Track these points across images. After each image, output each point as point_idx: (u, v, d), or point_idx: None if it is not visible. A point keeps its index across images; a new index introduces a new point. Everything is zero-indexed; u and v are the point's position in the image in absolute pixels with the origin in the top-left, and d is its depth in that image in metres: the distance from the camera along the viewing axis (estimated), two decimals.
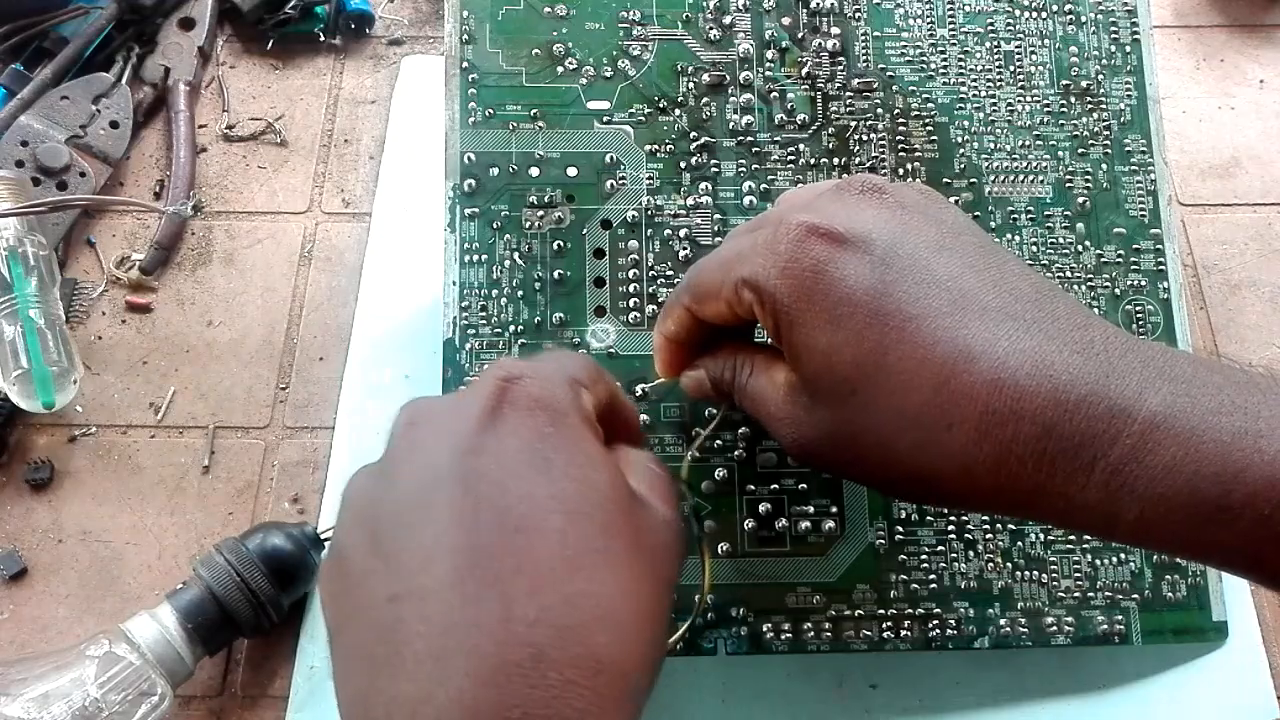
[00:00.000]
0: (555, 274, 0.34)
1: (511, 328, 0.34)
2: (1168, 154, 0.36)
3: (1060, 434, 0.21)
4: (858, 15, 0.36)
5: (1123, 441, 0.20)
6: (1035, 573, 0.34)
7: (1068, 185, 0.36)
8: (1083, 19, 0.37)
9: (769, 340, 0.26)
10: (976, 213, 0.36)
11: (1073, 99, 0.37)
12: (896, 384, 0.22)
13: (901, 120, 0.36)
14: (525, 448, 0.22)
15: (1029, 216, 0.36)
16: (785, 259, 0.24)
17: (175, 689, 0.32)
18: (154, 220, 0.44)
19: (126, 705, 0.31)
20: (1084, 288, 0.35)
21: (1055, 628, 0.33)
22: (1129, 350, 0.22)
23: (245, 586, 0.33)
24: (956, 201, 0.36)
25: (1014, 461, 0.21)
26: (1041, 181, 0.36)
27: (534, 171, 0.35)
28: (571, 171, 0.35)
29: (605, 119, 0.35)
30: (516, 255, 0.34)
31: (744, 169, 0.35)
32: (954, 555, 0.33)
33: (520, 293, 0.34)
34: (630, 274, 0.34)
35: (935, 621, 0.33)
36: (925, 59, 0.36)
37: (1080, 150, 0.36)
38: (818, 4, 0.36)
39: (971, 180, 0.36)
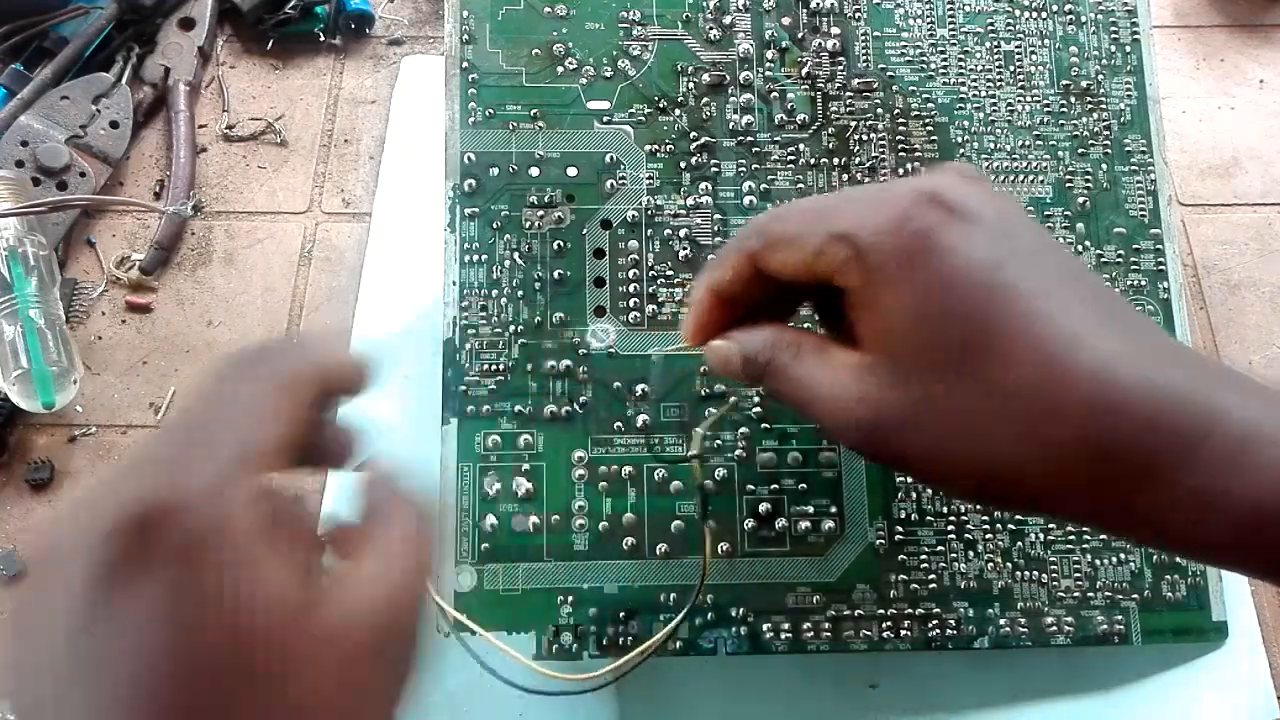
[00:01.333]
0: (555, 274, 0.34)
1: (511, 328, 0.34)
2: (1168, 154, 0.36)
3: (1158, 431, 0.20)
4: (858, 15, 0.36)
5: (1219, 444, 0.20)
6: (1035, 573, 0.34)
7: (1068, 185, 0.36)
8: (1083, 19, 0.37)
9: (812, 322, 0.25)
10: None
11: (1073, 99, 0.37)
12: (1001, 360, 0.21)
13: (901, 120, 0.36)
14: (156, 616, 0.17)
15: (1029, 216, 0.36)
16: (897, 218, 0.22)
17: None
18: (154, 220, 0.44)
19: None
20: None
21: (1055, 628, 0.33)
22: (1212, 364, 0.22)
23: None
24: None
25: (1109, 457, 0.21)
26: (1041, 181, 0.36)
27: (534, 171, 0.35)
28: (571, 171, 0.35)
29: (605, 119, 0.35)
30: (516, 255, 0.34)
31: (744, 169, 0.35)
32: (954, 555, 0.33)
33: (520, 293, 0.34)
34: (630, 274, 0.34)
35: (935, 621, 0.33)
36: (925, 59, 0.36)
37: (1080, 150, 0.36)
38: (818, 4, 0.36)
39: None
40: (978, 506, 0.34)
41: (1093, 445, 0.21)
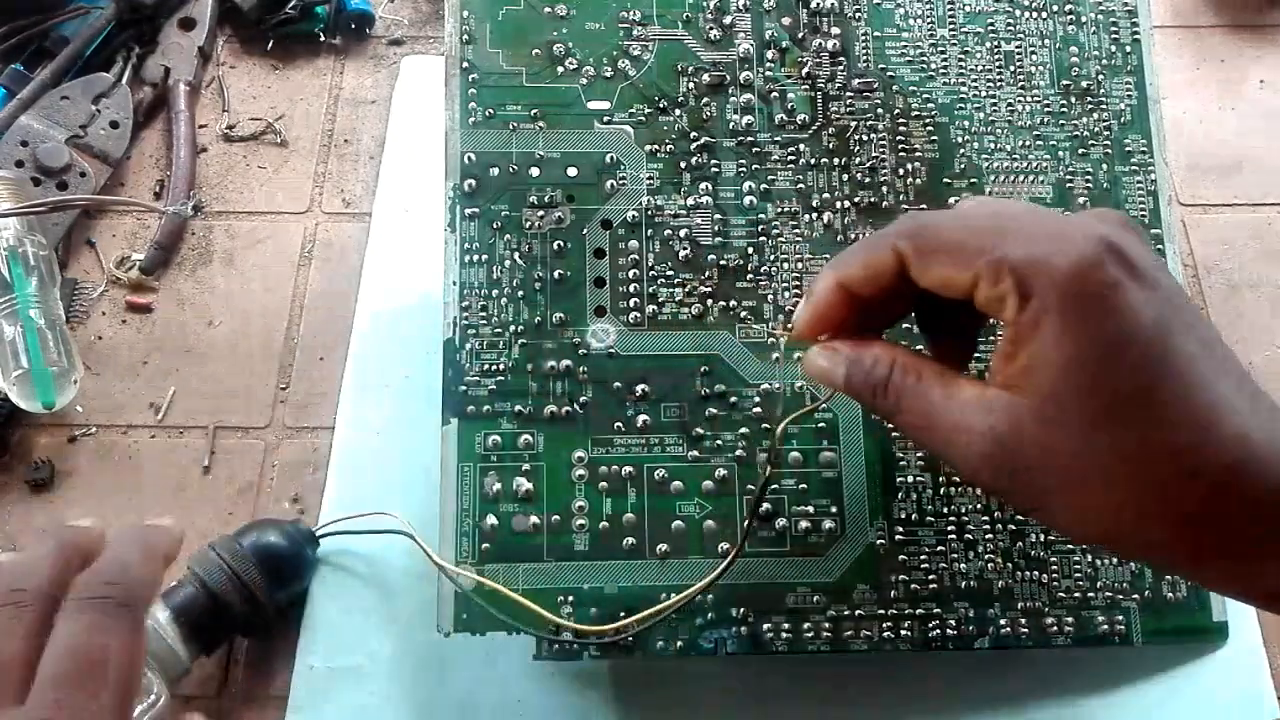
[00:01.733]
0: (555, 274, 0.34)
1: (511, 328, 0.34)
2: (1168, 154, 0.36)
3: None
4: (858, 15, 0.37)
5: None
6: (1035, 573, 0.34)
7: (1068, 185, 0.36)
8: (1083, 19, 0.37)
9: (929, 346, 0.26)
10: None
11: (1073, 99, 0.37)
12: (1157, 420, 0.22)
13: (902, 120, 0.36)
14: None
15: None
16: (1078, 266, 0.22)
17: (172, 687, 0.32)
18: (154, 220, 0.44)
19: None
20: None
21: (1055, 628, 0.33)
22: None
23: (239, 583, 0.33)
24: (956, 202, 0.36)
25: (1240, 517, 0.22)
26: (1042, 181, 0.36)
27: (534, 171, 0.35)
28: (571, 171, 0.35)
29: (605, 119, 0.35)
30: (516, 255, 0.34)
31: (744, 169, 0.35)
32: (954, 555, 0.33)
33: (520, 293, 0.34)
34: (630, 274, 0.34)
35: (935, 621, 0.33)
36: (925, 59, 0.36)
37: (1080, 150, 0.36)
38: (818, 4, 0.36)
39: (971, 180, 0.36)
40: (978, 507, 0.34)
41: (1227, 506, 0.22)
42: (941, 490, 0.34)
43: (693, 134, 0.35)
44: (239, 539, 0.34)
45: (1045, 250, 0.23)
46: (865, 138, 0.36)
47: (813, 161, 0.36)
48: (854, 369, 0.26)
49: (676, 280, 0.34)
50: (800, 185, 0.35)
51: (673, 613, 0.32)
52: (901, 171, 0.36)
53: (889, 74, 0.36)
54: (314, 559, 0.36)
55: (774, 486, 0.33)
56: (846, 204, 0.35)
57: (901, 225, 0.25)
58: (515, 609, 0.32)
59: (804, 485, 0.33)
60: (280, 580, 0.34)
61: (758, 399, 0.34)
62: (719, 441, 0.34)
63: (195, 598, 0.33)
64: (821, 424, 0.34)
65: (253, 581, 0.33)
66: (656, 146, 0.35)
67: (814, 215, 0.35)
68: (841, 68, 0.36)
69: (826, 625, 0.33)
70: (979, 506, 0.34)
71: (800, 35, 0.36)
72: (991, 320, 0.27)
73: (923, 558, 0.33)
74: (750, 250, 0.35)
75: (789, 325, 0.29)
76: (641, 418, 0.34)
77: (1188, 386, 0.22)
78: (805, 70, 0.36)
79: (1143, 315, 0.22)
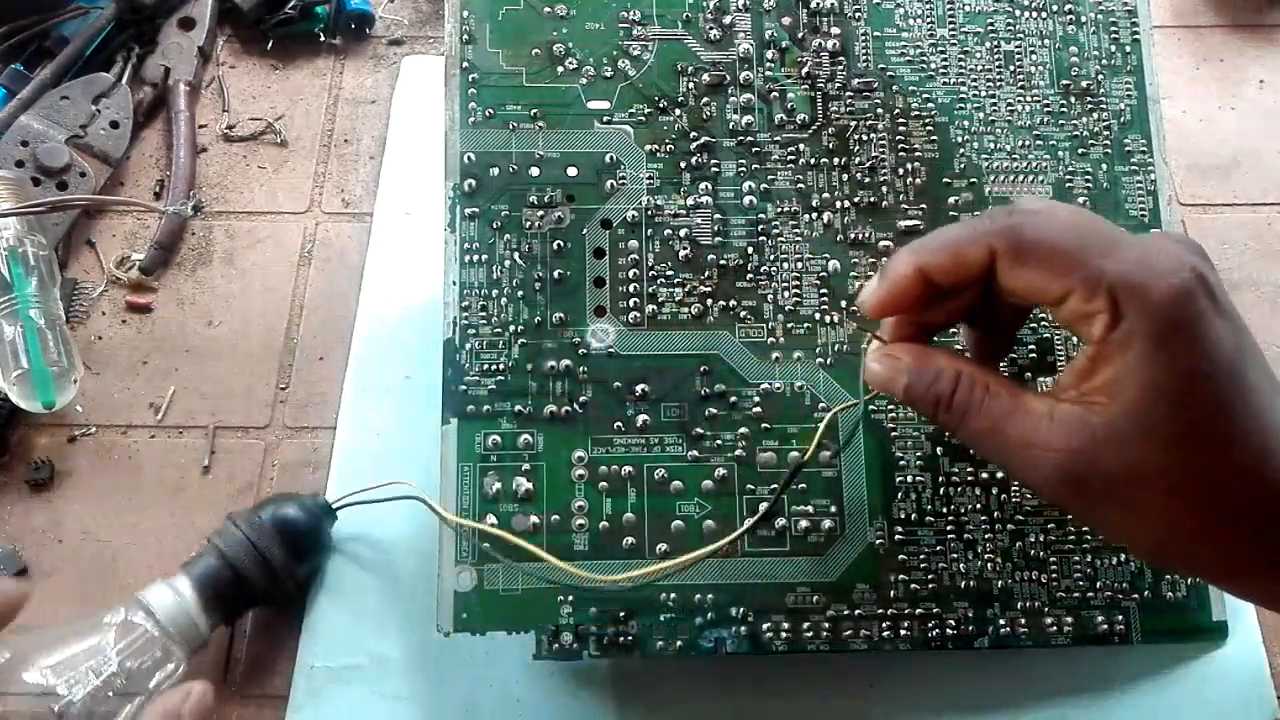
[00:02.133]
0: (555, 274, 0.34)
1: (511, 328, 0.34)
2: (1168, 154, 0.36)
3: None
4: (858, 15, 0.37)
5: None
6: (1035, 573, 0.34)
7: (1068, 185, 0.36)
8: (1083, 19, 0.37)
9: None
10: (977, 212, 0.36)
11: (1073, 99, 0.37)
12: (1229, 445, 0.23)
13: (901, 120, 0.36)
14: None
15: None
16: (1179, 294, 0.23)
17: (191, 657, 0.33)
18: (154, 220, 0.44)
19: (143, 672, 0.31)
20: None
21: (1055, 628, 0.33)
22: None
23: (259, 555, 0.33)
24: (956, 202, 0.36)
25: None
26: (1041, 181, 0.36)
27: (534, 171, 0.35)
28: (571, 171, 0.35)
29: (605, 119, 0.35)
30: (516, 255, 0.34)
31: (744, 169, 0.35)
32: (954, 555, 0.33)
33: (520, 293, 0.34)
34: (630, 274, 0.34)
35: (935, 621, 0.33)
36: (925, 59, 0.36)
37: (1080, 150, 0.36)
38: (818, 4, 0.36)
39: (971, 180, 0.36)
40: (978, 507, 0.34)
41: None
42: (941, 490, 0.34)
43: (692, 134, 0.35)
44: (258, 511, 0.35)
45: (1143, 276, 0.23)
46: (865, 138, 0.36)
47: (812, 161, 0.36)
48: (916, 380, 0.27)
49: (676, 280, 0.34)
50: (800, 185, 0.35)
51: (673, 611, 0.32)
52: (901, 171, 0.36)
53: (889, 74, 0.36)
54: (330, 532, 0.37)
55: (774, 486, 0.33)
56: (846, 203, 0.35)
57: (997, 222, 0.25)
58: (515, 609, 0.32)
59: (804, 485, 0.33)
60: (299, 553, 0.35)
61: (757, 399, 0.34)
62: (719, 441, 0.34)
63: (216, 569, 0.33)
64: (820, 424, 0.34)
65: (272, 554, 0.34)
66: (656, 146, 0.35)
67: (814, 215, 0.35)
68: (841, 68, 0.36)
69: (826, 625, 0.33)
70: (978, 506, 0.34)
71: (800, 35, 0.36)
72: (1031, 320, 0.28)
73: (922, 557, 0.33)
74: (750, 250, 0.35)
75: (853, 309, 0.29)
76: (641, 417, 0.34)
77: (1258, 413, 0.23)
78: (805, 70, 0.36)
79: (1224, 345, 0.23)
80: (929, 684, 0.35)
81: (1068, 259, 0.24)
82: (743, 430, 0.34)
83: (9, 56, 0.47)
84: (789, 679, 0.35)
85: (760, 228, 0.35)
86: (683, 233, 0.35)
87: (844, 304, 0.35)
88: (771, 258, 0.35)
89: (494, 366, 0.34)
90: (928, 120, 0.36)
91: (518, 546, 0.32)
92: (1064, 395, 0.25)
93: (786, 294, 0.35)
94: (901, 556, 0.33)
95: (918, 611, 0.33)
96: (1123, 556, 0.34)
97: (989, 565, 0.33)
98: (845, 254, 0.35)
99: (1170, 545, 0.25)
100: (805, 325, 0.35)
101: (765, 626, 0.33)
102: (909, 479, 0.34)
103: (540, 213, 0.35)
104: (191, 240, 0.44)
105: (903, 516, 0.34)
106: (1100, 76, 0.37)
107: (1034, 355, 0.35)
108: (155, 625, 0.32)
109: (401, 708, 0.35)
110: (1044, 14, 0.37)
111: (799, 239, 0.35)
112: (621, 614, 0.32)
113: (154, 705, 0.28)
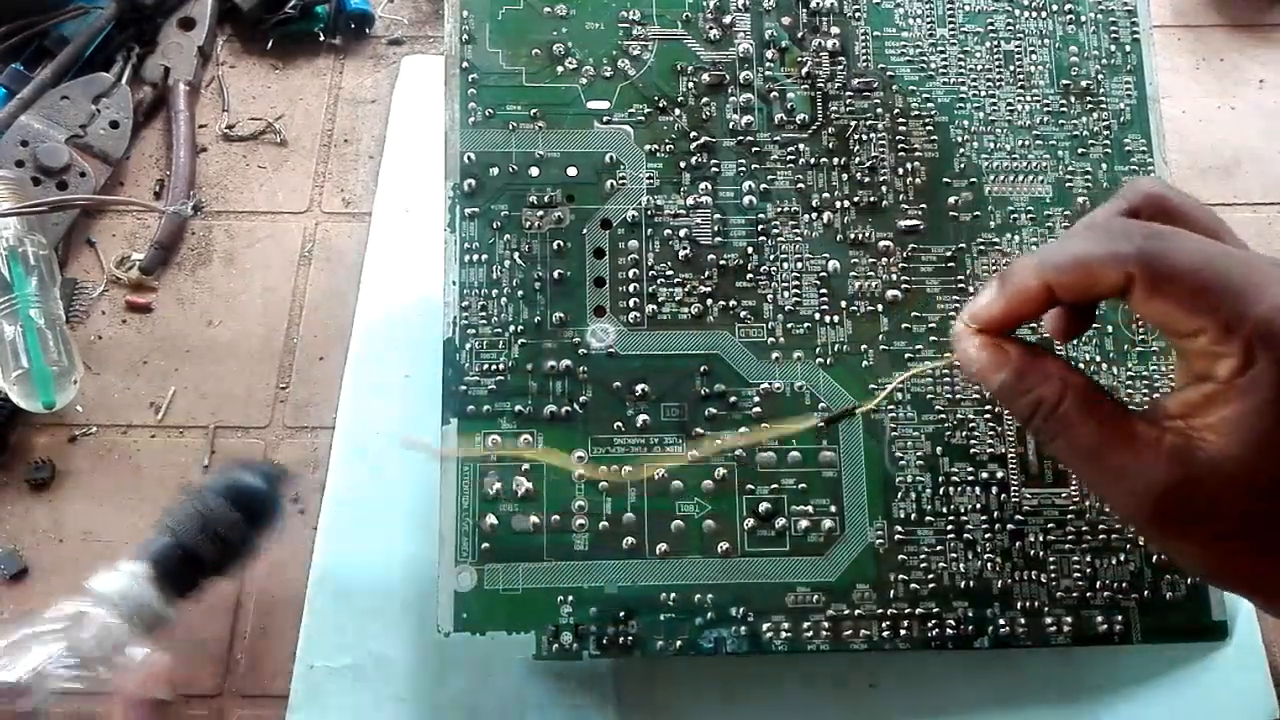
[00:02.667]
0: (555, 274, 0.34)
1: (511, 327, 0.34)
2: (1168, 154, 0.36)
3: None
4: (857, 15, 0.36)
5: None
6: (1035, 573, 0.34)
7: (1067, 185, 0.36)
8: (1082, 19, 0.37)
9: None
10: (977, 212, 0.36)
11: (1072, 99, 0.36)
12: None
13: (901, 120, 0.36)
14: None
15: (1029, 216, 0.36)
16: None
17: (153, 636, 0.32)
18: (154, 220, 0.44)
19: (105, 656, 0.31)
20: None
21: (1055, 627, 0.33)
22: None
23: (208, 525, 0.33)
24: (956, 201, 0.36)
25: None
26: (1041, 181, 0.36)
27: (534, 171, 0.35)
28: (571, 171, 0.35)
29: (605, 118, 0.35)
30: (516, 255, 0.34)
31: (744, 169, 0.35)
32: (954, 555, 0.33)
33: (520, 293, 0.34)
34: (630, 274, 0.34)
35: (935, 621, 0.33)
36: (925, 59, 0.36)
37: (1080, 150, 0.36)
38: (818, 4, 0.36)
39: (971, 180, 0.36)
40: (978, 507, 0.34)
41: None
42: (941, 490, 0.34)
43: (692, 133, 0.35)
44: (208, 482, 0.34)
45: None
46: (865, 137, 0.36)
47: (812, 161, 0.36)
48: (1016, 381, 0.25)
49: (676, 280, 0.34)
50: (800, 185, 0.35)
51: (673, 611, 0.32)
52: (901, 171, 0.36)
53: (889, 74, 0.36)
54: (281, 497, 0.35)
55: (774, 486, 0.33)
56: (846, 203, 0.35)
57: (1134, 244, 0.24)
58: (515, 609, 0.32)
59: (804, 485, 0.33)
60: (252, 518, 0.34)
61: (757, 399, 0.34)
62: (716, 440, 0.34)
63: (165, 546, 0.33)
64: (820, 424, 0.34)
65: (222, 521, 0.33)
66: (656, 145, 0.35)
67: (813, 215, 0.35)
68: (841, 67, 0.36)
69: (826, 625, 0.33)
70: (978, 506, 0.34)
71: (800, 35, 0.36)
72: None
73: (922, 558, 0.33)
74: (750, 250, 0.35)
75: (956, 323, 0.27)
76: (641, 417, 0.34)
77: None
78: (805, 70, 0.36)
79: None
80: (929, 684, 0.35)
81: (1208, 298, 0.23)
82: (742, 430, 0.34)
83: (9, 56, 0.47)
84: (789, 679, 0.35)
85: (760, 228, 0.35)
86: (682, 232, 0.35)
87: (843, 304, 0.35)
88: (771, 258, 0.35)
89: (494, 366, 0.34)
90: (927, 120, 0.36)
91: (520, 457, 0.32)
92: (1168, 424, 0.24)
93: (786, 294, 0.35)
94: (901, 556, 0.33)
95: (918, 611, 0.33)
96: (1123, 556, 0.34)
97: (988, 565, 0.33)
98: (845, 254, 0.35)
99: (1255, 586, 0.24)
100: (805, 325, 0.34)
101: (765, 626, 0.33)
102: (908, 479, 0.34)
103: (540, 213, 0.35)
104: (191, 240, 0.44)
105: (903, 516, 0.34)
106: (1100, 76, 0.37)
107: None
108: (111, 610, 0.31)
109: (402, 708, 0.35)
110: (1043, 14, 0.37)
111: (798, 239, 0.35)
112: (621, 614, 0.32)
113: (117, 697, 0.28)
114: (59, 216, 0.43)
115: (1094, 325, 0.32)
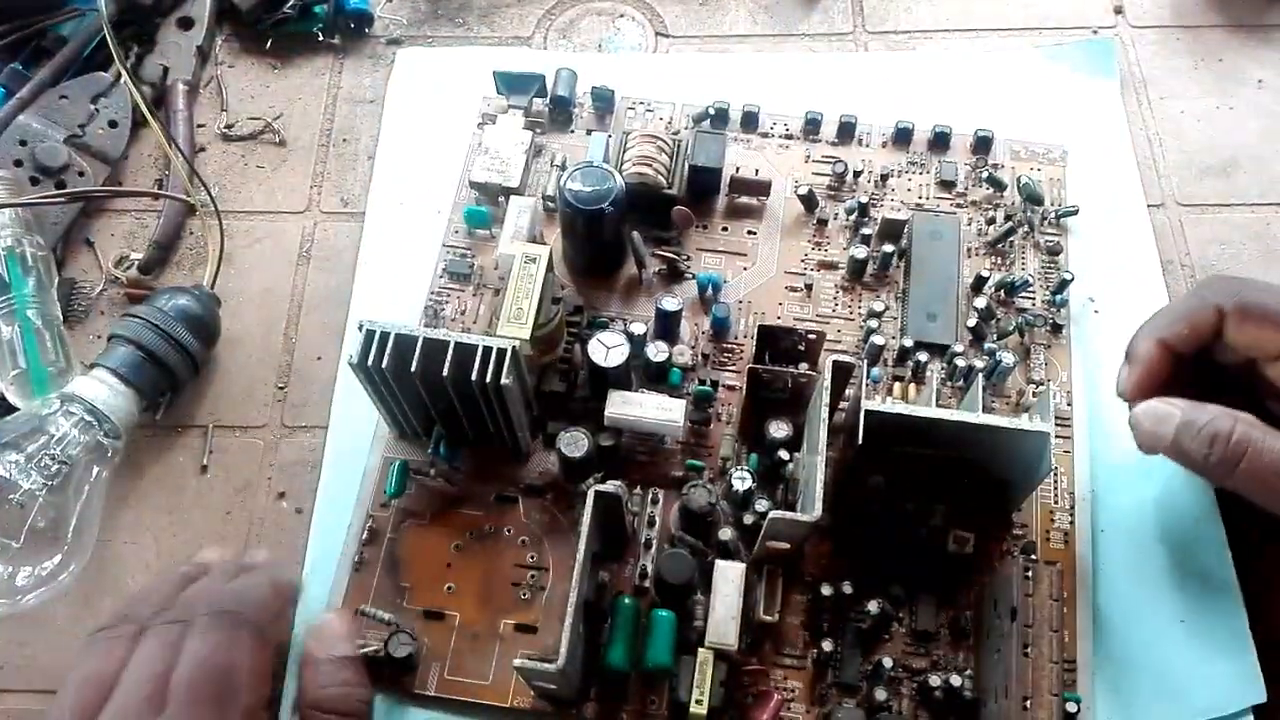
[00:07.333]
0: None
1: None
2: (1166, 154, 0.36)
3: None
4: None
5: None
6: None
7: None
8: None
9: None
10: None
11: None
12: None
13: None
14: None
15: None
16: None
17: (123, 438, 0.37)
18: (152, 220, 0.44)
19: (84, 453, 0.36)
20: None
21: None
22: None
23: (169, 336, 0.38)
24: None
25: None
26: None
27: None
28: None
29: None
30: None
31: None
32: None
33: None
34: None
35: None
36: None
37: None
38: None
39: None
40: None
41: None
42: None
43: None
44: (154, 303, 0.39)
45: None
46: None
47: None
48: (1187, 427, 0.28)
49: None
50: None
51: None
52: None
53: None
54: (219, 319, 0.41)
55: None
56: None
57: (1215, 287, 0.29)
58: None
59: None
60: (199, 335, 0.39)
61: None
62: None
63: (130, 354, 0.38)
64: None
65: (178, 334, 0.38)
66: None
67: None
68: None
69: None
70: None
71: None
72: None
73: None
74: None
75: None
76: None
77: None
78: None
79: None
80: None
81: None
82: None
83: (8, 56, 0.47)
84: None
85: None
86: None
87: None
88: None
89: None
90: None
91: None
92: None
93: None
94: None
95: None
96: None
97: None
98: None
99: None
100: None
101: None
102: None
103: None
104: (190, 239, 0.44)
105: None
106: None
107: None
108: (89, 411, 0.36)
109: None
110: None
111: None
112: None
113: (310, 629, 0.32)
114: (58, 216, 0.43)
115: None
